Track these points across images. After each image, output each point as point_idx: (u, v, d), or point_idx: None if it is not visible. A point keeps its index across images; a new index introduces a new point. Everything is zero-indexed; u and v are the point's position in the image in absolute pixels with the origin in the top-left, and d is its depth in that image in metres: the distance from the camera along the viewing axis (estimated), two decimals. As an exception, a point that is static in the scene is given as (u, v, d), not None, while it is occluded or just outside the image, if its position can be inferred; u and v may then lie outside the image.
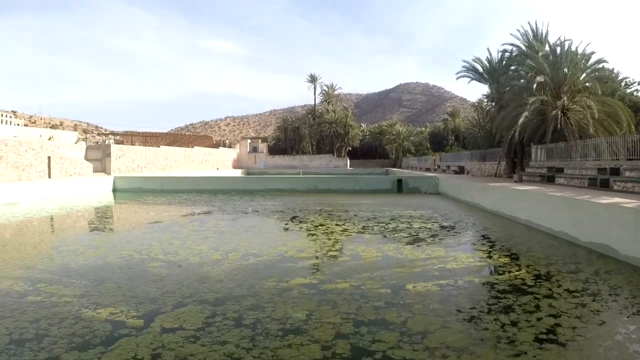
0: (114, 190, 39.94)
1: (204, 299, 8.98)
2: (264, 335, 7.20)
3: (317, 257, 13.43)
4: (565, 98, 31.16)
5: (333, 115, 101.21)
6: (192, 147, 73.92)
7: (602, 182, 21.59)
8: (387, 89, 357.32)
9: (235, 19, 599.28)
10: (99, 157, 46.16)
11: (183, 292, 9.47)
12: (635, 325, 7.98)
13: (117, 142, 70.16)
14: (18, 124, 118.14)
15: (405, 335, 7.17)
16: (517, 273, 11.23)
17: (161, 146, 62.18)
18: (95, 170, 43.70)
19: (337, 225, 19.60)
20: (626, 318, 8.42)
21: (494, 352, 6.60)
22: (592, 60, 32.61)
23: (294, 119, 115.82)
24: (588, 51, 32.36)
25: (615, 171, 21.60)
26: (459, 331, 7.43)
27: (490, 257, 13.49)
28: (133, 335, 7.09)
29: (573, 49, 32.29)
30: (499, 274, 11.32)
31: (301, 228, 19.40)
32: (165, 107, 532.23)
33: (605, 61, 33.00)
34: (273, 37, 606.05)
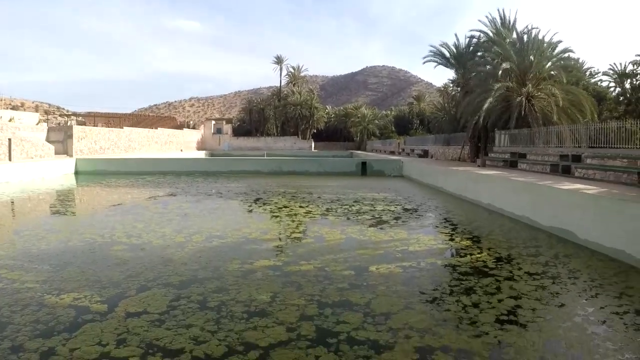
0: (76, 173, 39.25)
1: (168, 282, 8.96)
2: (229, 317, 7.22)
3: (280, 239, 13.49)
4: (530, 85, 31.50)
5: (299, 97, 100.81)
6: (156, 128, 73.03)
7: (563, 169, 21.96)
8: (354, 71, 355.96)
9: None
10: (60, 138, 45.35)
11: (147, 275, 9.43)
12: (594, 307, 8.16)
13: (80, 124, 69.08)
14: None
15: (369, 317, 7.28)
16: (479, 256, 11.43)
17: (124, 127, 61.30)
18: (57, 153, 42.94)
19: (300, 207, 19.67)
20: (585, 300, 8.62)
21: (456, 333, 6.73)
22: (558, 49, 33.01)
23: (259, 100, 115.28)
24: (554, 40, 32.75)
25: (577, 158, 21.96)
26: (422, 312, 7.56)
27: (452, 239, 13.66)
28: (97, 321, 7.03)
29: (540, 37, 32.63)
30: (461, 257, 11.50)
31: (265, 210, 19.42)
32: (129, 88, 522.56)
33: (571, 50, 33.44)
34: (240, 17, 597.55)
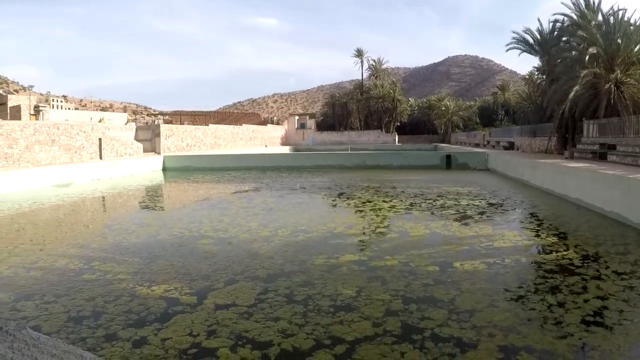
0: (164, 170, 40.54)
1: (255, 276, 9.18)
2: (315, 311, 7.36)
3: (365, 234, 13.60)
4: (618, 71, 30.26)
5: (381, 90, 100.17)
6: (240, 124, 74.30)
7: (656, 160, 21.04)
8: (435, 62, 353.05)
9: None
10: (148, 137, 46.77)
11: (234, 268, 9.69)
12: (685, 309, 7.83)
13: (166, 122, 71.20)
14: (69, 108, 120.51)
15: (454, 313, 7.27)
16: (565, 253, 11.13)
17: (209, 125, 62.68)
18: (145, 150, 44.31)
19: (384, 202, 19.65)
20: (675, 302, 8.28)
21: (540, 333, 6.64)
22: (647, 31, 31.57)
23: (341, 94, 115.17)
24: (644, 21, 31.33)
25: (671, 149, 21.04)
26: (506, 310, 7.49)
27: (538, 235, 13.36)
28: (187, 312, 7.30)
29: (627, 18, 31.26)
30: (547, 254, 11.24)
31: (349, 204, 19.55)
32: (213, 86, 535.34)
33: (662, 31, 31.91)
34: (317, 12, 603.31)
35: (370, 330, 6.64)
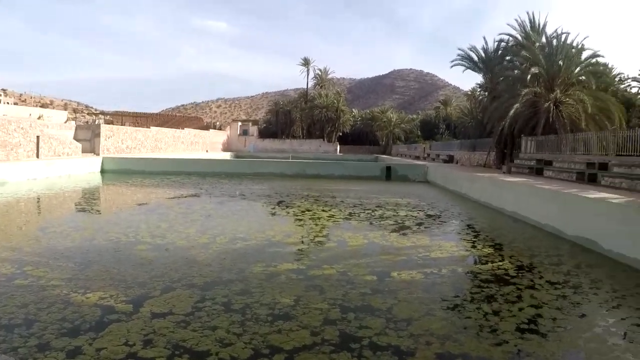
0: (102, 171, 39.77)
1: (193, 283, 9.06)
2: (253, 320, 7.30)
3: (303, 243, 13.59)
4: (558, 91, 31.27)
5: (325, 99, 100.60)
6: (182, 128, 73.53)
7: (590, 177, 21.74)
8: (381, 74, 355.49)
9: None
10: (88, 137, 45.83)
11: (171, 276, 9.53)
12: (615, 318, 8.16)
13: (107, 122, 69.99)
14: (8, 103, 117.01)
15: (391, 322, 7.33)
16: (500, 263, 11.43)
17: (151, 127, 61.89)
18: (84, 151, 43.43)
19: (323, 211, 19.72)
20: (606, 311, 8.62)
21: (476, 341, 6.78)
22: (587, 54, 32.73)
23: (285, 102, 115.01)
24: (583, 45, 32.49)
25: (604, 166, 21.75)
26: (443, 319, 7.61)
27: (474, 246, 13.69)
28: (123, 321, 7.12)
29: (569, 41, 32.37)
30: (483, 264, 11.51)
31: (288, 213, 19.55)
32: (157, 88, 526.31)
33: (600, 55, 33.15)
34: (268, 18, 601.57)
35: (308, 339, 6.63)
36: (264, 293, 8.60)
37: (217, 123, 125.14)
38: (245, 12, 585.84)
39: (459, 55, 42.28)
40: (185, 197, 24.39)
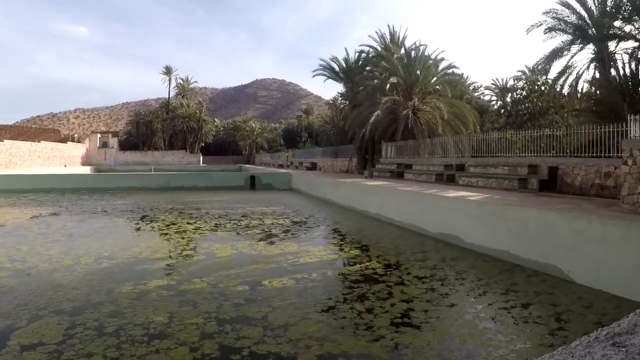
0: (-53, 190, 37.03)
1: (61, 309, 8.48)
2: (129, 342, 6.96)
3: (171, 257, 13.21)
4: (416, 99, 32.71)
5: (187, 109, 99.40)
6: (39, 141, 69.85)
7: (448, 177, 22.79)
8: (244, 84, 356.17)
9: (93, 3, 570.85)
10: None
11: (37, 303, 8.85)
12: (482, 304, 8.65)
13: (-47, 136, 65.18)
14: None
15: (269, 330, 7.32)
16: (369, 264, 11.70)
17: (5, 140, 58.29)
18: None
19: (189, 223, 19.35)
20: (473, 299, 9.10)
21: (354, 339, 6.90)
22: (443, 65, 34.68)
23: (146, 112, 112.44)
24: (440, 56, 34.31)
25: (461, 167, 22.90)
26: (319, 321, 7.68)
27: (342, 249, 13.95)
28: (-10, 358, 6.54)
29: (427, 53, 34.08)
30: (351, 265, 11.77)
31: (153, 228, 18.95)
32: (10, 97, 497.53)
33: (455, 66, 35.24)
34: (132, 24, 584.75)
35: (188, 356, 6.46)
36: (136, 313, 8.24)
37: (76, 135, 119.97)
38: (107, 18, 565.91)
39: (320, 65, 43.13)
40: (45, 216, 23.05)
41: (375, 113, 31.54)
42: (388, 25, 37.53)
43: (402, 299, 8.69)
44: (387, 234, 16.75)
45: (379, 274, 10.64)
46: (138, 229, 18.95)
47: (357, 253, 13.22)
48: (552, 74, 33.68)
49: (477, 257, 12.53)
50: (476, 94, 55.44)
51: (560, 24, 29.97)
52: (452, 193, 16.54)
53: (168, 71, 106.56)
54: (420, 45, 34.64)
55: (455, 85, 37.35)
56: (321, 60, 43.32)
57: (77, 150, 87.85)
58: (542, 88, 36.61)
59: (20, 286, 10.11)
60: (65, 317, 8.06)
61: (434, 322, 7.55)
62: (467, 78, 51.94)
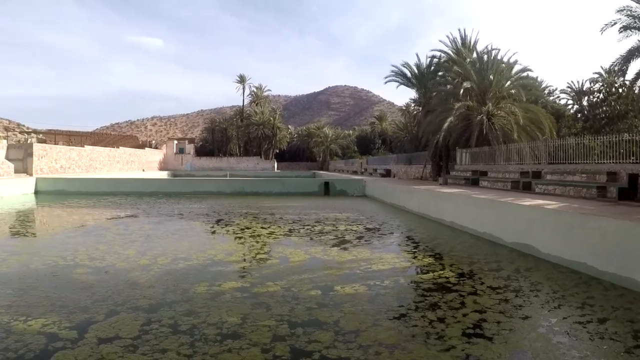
0: (36, 192, 38.81)
1: (137, 306, 8.85)
2: (202, 341, 7.19)
3: (245, 260, 13.47)
4: (490, 104, 32.25)
5: (261, 117, 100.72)
6: (118, 147, 72.22)
7: (524, 185, 22.44)
8: (316, 91, 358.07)
9: (166, 16, 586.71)
10: (20, 156, 44.60)
11: (114, 299, 9.29)
12: (557, 318, 8.46)
13: (40, 141, 67.91)
14: None
15: (339, 335, 7.36)
16: (442, 272, 11.63)
17: (85, 146, 60.53)
18: (16, 171, 42.25)
19: (263, 228, 19.63)
20: (548, 312, 8.91)
21: (425, 348, 6.88)
22: (517, 69, 34.05)
23: (221, 120, 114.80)
24: (513, 60, 33.79)
25: (537, 174, 22.50)
26: (390, 329, 7.68)
27: (415, 257, 13.89)
28: (69, 348, 6.89)
29: (499, 57, 33.56)
30: (424, 273, 11.70)
31: (228, 231, 19.34)
32: (91, 105, 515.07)
33: (529, 70, 34.54)
34: (204, 35, 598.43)
35: (259, 357, 6.59)
36: (210, 313, 8.49)
37: (153, 141, 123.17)
38: (180, 29, 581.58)
39: (392, 71, 43.13)
40: (123, 217, 23.94)
41: (449, 119, 31.31)
42: (459, 29, 37.30)
43: (475, 309, 8.62)
44: (460, 242, 16.61)
45: (452, 282, 10.59)
46: (213, 232, 19.40)
47: (430, 261, 13.15)
48: (629, 75, 32.63)
49: (552, 268, 12.27)
50: (551, 97, 54.10)
51: (635, 22, 28.94)
52: (528, 201, 16.25)
53: (242, 79, 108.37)
54: (493, 49, 34.22)
55: (530, 89, 36.71)
56: (393, 66, 43.45)
57: (154, 155, 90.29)
58: (620, 90, 35.54)
59: (98, 283, 10.61)
60: (141, 314, 8.40)
61: (506, 334, 7.44)
62: (541, 81, 50.97)
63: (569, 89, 57.37)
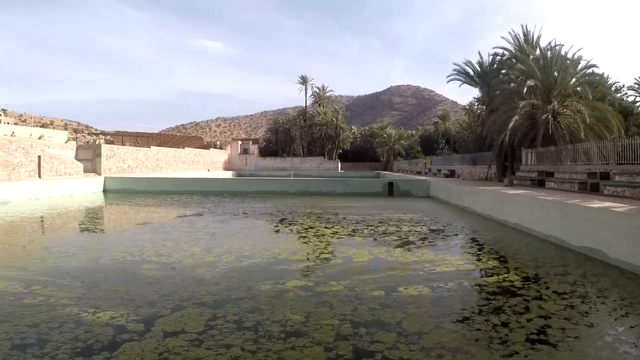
0: (105, 191, 40.06)
1: (203, 302, 9.04)
2: (266, 337, 7.29)
3: (309, 260, 13.54)
4: (555, 102, 31.46)
5: (324, 117, 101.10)
6: (183, 148, 73.77)
7: (592, 186, 21.82)
8: (378, 91, 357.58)
9: (226, 19, 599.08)
10: (89, 157, 46.09)
11: (180, 294, 9.52)
12: (624, 326, 8.20)
13: (108, 142, 70.14)
14: (8, 123, 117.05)
15: (402, 336, 7.35)
16: (506, 275, 11.45)
17: (152, 147, 62.06)
18: (85, 171, 43.65)
19: (326, 228, 19.71)
20: (614, 320, 8.64)
21: (487, 352, 6.80)
22: (582, 65, 32.94)
23: (284, 120, 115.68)
24: (578, 55, 32.73)
25: (606, 175, 21.88)
26: (453, 331, 7.62)
27: (479, 259, 13.66)
28: (136, 340, 7.11)
29: (563, 53, 32.63)
30: (488, 277, 11.51)
31: (292, 230, 19.50)
32: (156, 107, 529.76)
33: (595, 66, 33.34)
34: (264, 38, 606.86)
35: (322, 355, 6.64)
36: (274, 310, 8.60)
37: (218, 142, 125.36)
38: (241, 32, 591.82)
39: (455, 70, 42.69)
40: (189, 216, 24.42)
41: (514, 118, 30.74)
42: (521, 25, 36.20)
43: (540, 314, 8.44)
44: (526, 245, 16.32)
45: (517, 287, 10.40)
46: (277, 231, 19.58)
47: (494, 264, 12.94)
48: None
49: (621, 274, 11.88)
50: (618, 95, 52.24)
51: None
52: (596, 203, 15.79)
53: (304, 81, 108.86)
54: (556, 45, 33.20)
55: (596, 86, 35.66)
56: (455, 64, 42.87)
57: (219, 156, 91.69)
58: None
59: (165, 279, 10.89)
60: (206, 310, 8.58)
61: (571, 341, 7.27)
62: (607, 78, 49.28)
63: (637, 85, 55.32)
